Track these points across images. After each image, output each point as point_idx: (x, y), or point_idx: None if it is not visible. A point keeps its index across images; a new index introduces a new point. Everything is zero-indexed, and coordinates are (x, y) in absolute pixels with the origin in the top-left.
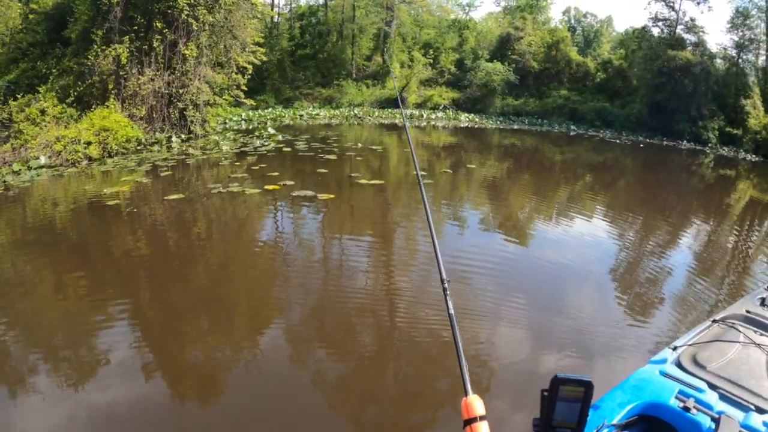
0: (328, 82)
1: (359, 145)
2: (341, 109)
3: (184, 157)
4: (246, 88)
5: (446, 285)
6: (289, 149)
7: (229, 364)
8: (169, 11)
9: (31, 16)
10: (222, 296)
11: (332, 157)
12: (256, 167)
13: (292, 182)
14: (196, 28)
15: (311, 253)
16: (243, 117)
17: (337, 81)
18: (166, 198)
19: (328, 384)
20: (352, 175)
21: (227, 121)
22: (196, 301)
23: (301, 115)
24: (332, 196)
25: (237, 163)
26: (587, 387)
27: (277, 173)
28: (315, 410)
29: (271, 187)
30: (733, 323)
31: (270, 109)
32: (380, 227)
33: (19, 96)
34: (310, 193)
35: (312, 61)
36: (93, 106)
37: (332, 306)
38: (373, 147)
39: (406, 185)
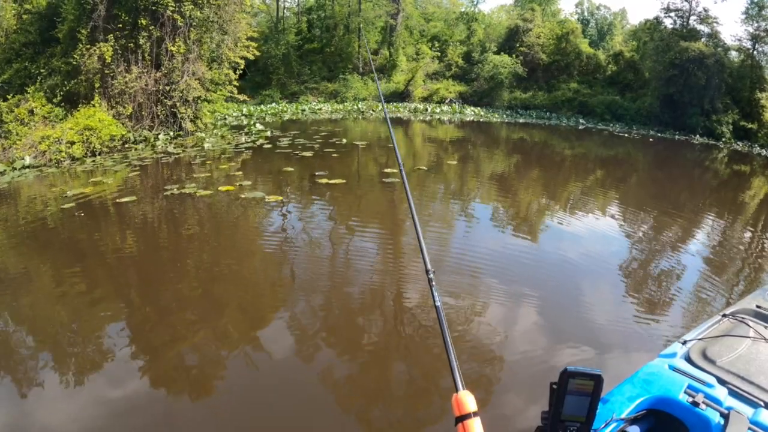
0: (334, 77)
1: (344, 140)
2: (345, 104)
3: (162, 155)
4: (238, 84)
5: (431, 276)
6: (269, 146)
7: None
8: (153, 8)
9: (25, 17)
10: (137, 304)
11: (308, 154)
12: (225, 166)
13: (249, 182)
14: (181, 24)
15: (242, 256)
16: (244, 112)
17: (342, 75)
18: (118, 201)
19: (331, 378)
20: (317, 173)
21: (226, 117)
22: (105, 308)
23: (303, 110)
24: (281, 198)
25: (208, 162)
26: (597, 380)
27: (241, 173)
28: (318, 403)
29: (225, 188)
30: (743, 318)
31: (273, 104)
32: (321, 228)
33: (10, 96)
34: (260, 194)
35: (319, 56)
36: (79, 105)
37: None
38: (358, 142)
39: (369, 184)
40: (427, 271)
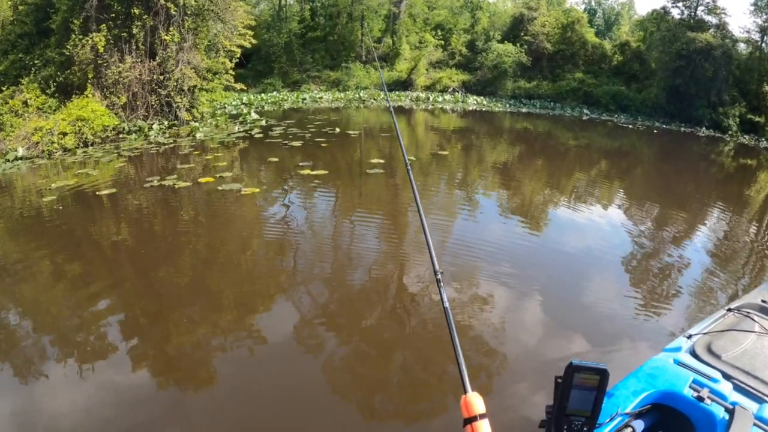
0: (336, 65)
1: (337, 130)
2: (346, 92)
3: (153, 146)
4: (237, 72)
5: (439, 276)
6: (261, 135)
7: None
8: None
9: (21, 7)
10: (114, 293)
11: (297, 144)
12: (211, 156)
13: (229, 173)
14: (175, 13)
15: (208, 248)
16: (244, 101)
17: (345, 63)
18: (98, 193)
19: (333, 369)
20: (301, 164)
21: (226, 106)
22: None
23: (304, 99)
24: (257, 190)
25: (196, 152)
26: (602, 375)
27: (225, 163)
28: (319, 394)
29: (204, 179)
30: (748, 312)
31: (275, 93)
32: (292, 221)
33: (5, 88)
34: (236, 186)
35: (322, 44)
36: (73, 96)
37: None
38: (350, 132)
39: (352, 176)
40: (435, 272)
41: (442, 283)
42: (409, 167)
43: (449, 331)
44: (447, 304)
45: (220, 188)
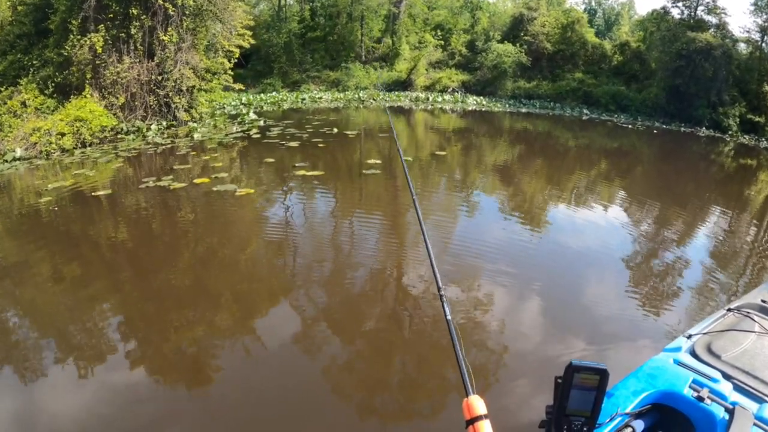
0: (336, 65)
1: (335, 130)
2: (346, 93)
3: (150, 146)
4: (237, 73)
5: (443, 293)
6: (258, 136)
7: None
8: None
9: (20, 8)
10: (106, 293)
11: (294, 144)
12: (207, 157)
13: (225, 174)
14: (173, 13)
15: (198, 249)
16: (243, 101)
17: (345, 64)
18: (94, 194)
19: (333, 369)
20: (297, 165)
21: (225, 106)
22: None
23: (303, 99)
24: (252, 191)
25: (192, 153)
26: (602, 375)
27: (221, 164)
28: (318, 394)
29: (199, 180)
30: (748, 312)
31: (274, 93)
32: (283, 224)
33: (3, 88)
34: (231, 187)
35: (321, 44)
36: (71, 96)
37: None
38: (348, 132)
39: (348, 176)
40: (438, 289)
41: (445, 299)
42: (414, 194)
43: (452, 341)
44: (450, 317)
45: (215, 189)
